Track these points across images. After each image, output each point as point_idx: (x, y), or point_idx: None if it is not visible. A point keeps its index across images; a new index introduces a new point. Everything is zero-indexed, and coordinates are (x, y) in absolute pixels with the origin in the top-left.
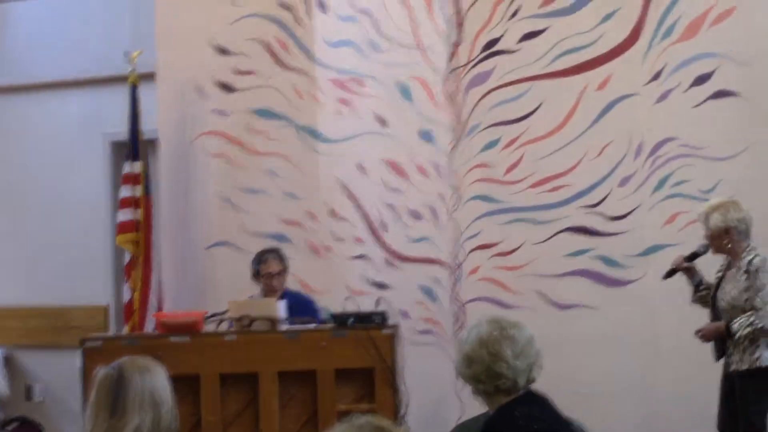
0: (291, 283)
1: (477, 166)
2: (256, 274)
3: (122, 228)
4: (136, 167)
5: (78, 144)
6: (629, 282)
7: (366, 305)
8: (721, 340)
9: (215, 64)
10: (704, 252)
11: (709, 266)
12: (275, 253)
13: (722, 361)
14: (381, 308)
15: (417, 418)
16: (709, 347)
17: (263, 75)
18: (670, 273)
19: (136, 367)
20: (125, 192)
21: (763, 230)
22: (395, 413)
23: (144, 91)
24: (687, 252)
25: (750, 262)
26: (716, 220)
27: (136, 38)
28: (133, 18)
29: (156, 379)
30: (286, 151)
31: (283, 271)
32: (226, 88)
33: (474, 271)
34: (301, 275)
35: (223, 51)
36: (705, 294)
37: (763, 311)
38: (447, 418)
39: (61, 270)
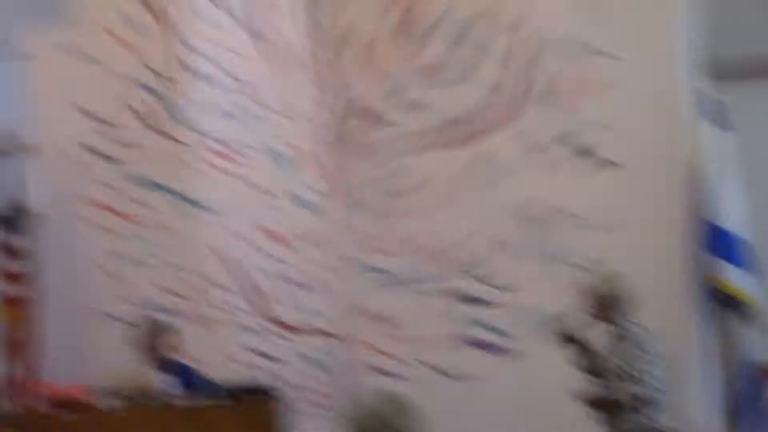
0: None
1: (366, 237)
2: (144, 347)
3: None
4: (17, 240)
5: None
6: (517, 353)
7: (254, 377)
8: None
9: (93, 134)
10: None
11: None
12: (164, 327)
13: None
14: (269, 380)
15: None
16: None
17: (141, 144)
18: (566, 340)
19: None
20: (6, 265)
21: (648, 299)
22: None
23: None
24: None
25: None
26: (603, 289)
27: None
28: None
29: None
30: (167, 221)
31: (170, 346)
32: (105, 157)
33: (365, 342)
34: (186, 347)
35: (101, 120)
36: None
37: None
38: None
39: None
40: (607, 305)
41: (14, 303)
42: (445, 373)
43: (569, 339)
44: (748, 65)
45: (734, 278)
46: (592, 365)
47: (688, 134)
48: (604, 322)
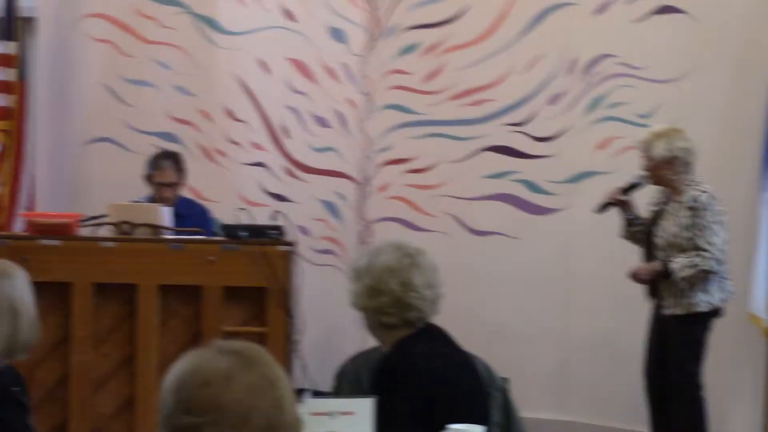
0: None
1: (393, 71)
2: (149, 179)
3: None
4: (10, 48)
5: None
6: (554, 211)
7: (261, 218)
8: (654, 281)
9: None
10: (643, 184)
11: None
12: (174, 160)
13: (642, 301)
14: (278, 222)
15: (311, 345)
16: (627, 288)
17: None
18: (605, 206)
19: None
20: None
21: (704, 162)
22: (287, 339)
23: None
24: (622, 183)
25: (695, 198)
26: (660, 148)
27: None
28: None
29: (15, 286)
30: (180, 41)
31: (178, 183)
32: None
33: (383, 188)
34: (190, 180)
35: None
36: (639, 230)
37: (707, 253)
38: (343, 347)
39: None
40: (663, 166)
41: (5, 116)
42: (470, 228)
43: (618, 203)
44: None
45: None
46: (640, 232)
47: None
48: (660, 184)
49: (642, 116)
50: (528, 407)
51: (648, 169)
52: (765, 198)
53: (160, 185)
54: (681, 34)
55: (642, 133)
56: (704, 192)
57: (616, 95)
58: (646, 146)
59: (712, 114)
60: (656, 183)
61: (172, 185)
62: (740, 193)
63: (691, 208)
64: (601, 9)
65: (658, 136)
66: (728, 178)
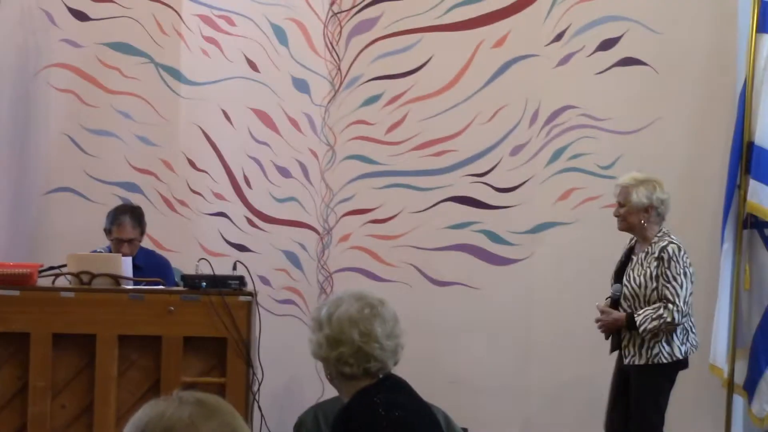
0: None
1: (355, 122)
2: (107, 233)
3: None
4: None
5: None
6: (515, 261)
7: (222, 268)
8: (618, 330)
9: None
10: (620, 294)
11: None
12: (132, 214)
13: (605, 352)
14: (238, 273)
15: (271, 396)
16: (589, 339)
17: (122, 4)
18: (613, 339)
19: None
20: None
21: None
22: (247, 389)
23: None
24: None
25: (663, 248)
26: (641, 195)
27: None
28: None
29: None
30: (143, 92)
31: (136, 239)
32: (79, 15)
33: (345, 238)
34: (151, 231)
35: None
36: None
37: (673, 305)
38: (304, 397)
39: None
40: (639, 212)
41: None
42: (432, 279)
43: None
44: None
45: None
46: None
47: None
48: (628, 230)
49: (604, 167)
50: None
51: (620, 214)
52: (725, 249)
53: (118, 241)
54: (642, 86)
55: (623, 178)
56: (673, 243)
57: (578, 146)
58: (625, 191)
59: (674, 165)
60: (625, 228)
61: (130, 241)
62: (701, 245)
63: (659, 259)
64: (564, 61)
65: (639, 182)
66: (689, 230)
